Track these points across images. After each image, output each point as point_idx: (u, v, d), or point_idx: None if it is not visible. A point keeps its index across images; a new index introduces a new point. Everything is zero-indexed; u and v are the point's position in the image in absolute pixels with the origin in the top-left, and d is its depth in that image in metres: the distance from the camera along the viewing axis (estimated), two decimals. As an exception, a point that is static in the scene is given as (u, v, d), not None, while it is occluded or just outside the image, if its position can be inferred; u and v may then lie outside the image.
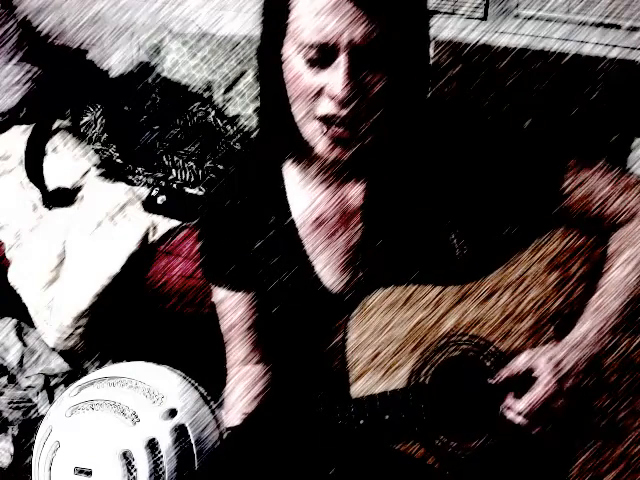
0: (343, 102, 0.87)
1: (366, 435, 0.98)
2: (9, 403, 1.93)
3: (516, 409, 0.97)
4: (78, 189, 2.12)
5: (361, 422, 0.97)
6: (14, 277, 2.01)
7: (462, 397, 1.00)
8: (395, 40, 0.87)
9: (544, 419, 0.96)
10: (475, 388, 1.00)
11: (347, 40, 0.85)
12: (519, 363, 0.99)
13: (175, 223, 1.99)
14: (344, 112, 0.88)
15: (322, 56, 0.87)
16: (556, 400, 0.96)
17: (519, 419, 0.97)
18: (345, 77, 0.86)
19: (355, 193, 1.04)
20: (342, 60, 0.86)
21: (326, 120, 0.90)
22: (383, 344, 1.01)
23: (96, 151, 2.26)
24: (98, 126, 2.31)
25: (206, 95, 2.48)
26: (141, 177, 2.16)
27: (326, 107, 0.89)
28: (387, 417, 0.98)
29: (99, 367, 1.97)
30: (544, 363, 0.97)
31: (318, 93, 0.89)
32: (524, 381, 0.98)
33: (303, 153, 1.02)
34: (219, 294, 1.12)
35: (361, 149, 0.93)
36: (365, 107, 0.89)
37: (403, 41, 0.88)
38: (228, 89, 2.45)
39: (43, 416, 0.90)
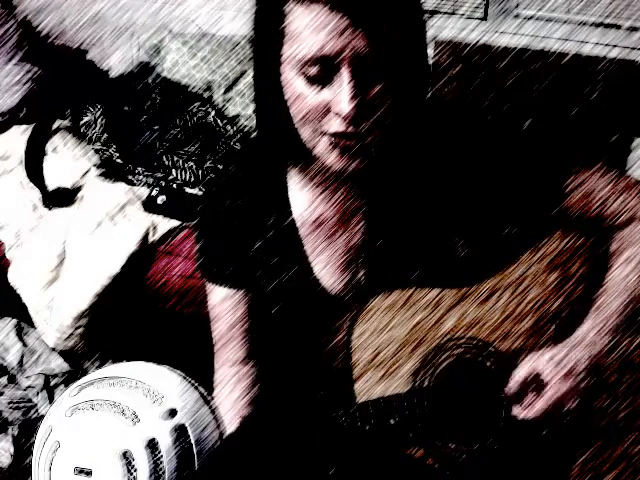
0: (351, 119, 0.86)
1: (370, 439, 0.98)
2: (9, 403, 1.93)
3: (532, 413, 0.97)
4: (78, 189, 2.12)
5: (367, 427, 0.97)
6: (14, 277, 2.01)
7: (466, 400, 1.00)
8: (394, 45, 0.85)
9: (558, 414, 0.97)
10: (479, 392, 1.00)
11: (349, 53, 0.83)
12: (523, 371, 0.98)
13: (175, 223, 1.99)
14: (353, 128, 0.87)
15: (323, 72, 0.85)
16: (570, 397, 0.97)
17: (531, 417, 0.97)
18: (350, 93, 0.85)
19: (355, 193, 1.04)
20: (345, 74, 0.84)
21: (336, 136, 0.89)
22: (383, 344, 1.01)
23: (96, 151, 2.26)
24: (98, 126, 2.31)
25: (206, 95, 2.48)
26: (141, 177, 2.16)
27: (335, 125, 0.88)
28: (392, 421, 0.98)
29: (99, 367, 1.97)
30: (551, 366, 0.97)
31: (324, 111, 0.88)
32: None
33: (304, 157, 1.01)
34: (218, 294, 1.12)
35: (369, 156, 0.92)
36: (372, 118, 0.88)
37: (401, 45, 0.87)
38: (228, 89, 2.45)
39: (43, 416, 0.90)
